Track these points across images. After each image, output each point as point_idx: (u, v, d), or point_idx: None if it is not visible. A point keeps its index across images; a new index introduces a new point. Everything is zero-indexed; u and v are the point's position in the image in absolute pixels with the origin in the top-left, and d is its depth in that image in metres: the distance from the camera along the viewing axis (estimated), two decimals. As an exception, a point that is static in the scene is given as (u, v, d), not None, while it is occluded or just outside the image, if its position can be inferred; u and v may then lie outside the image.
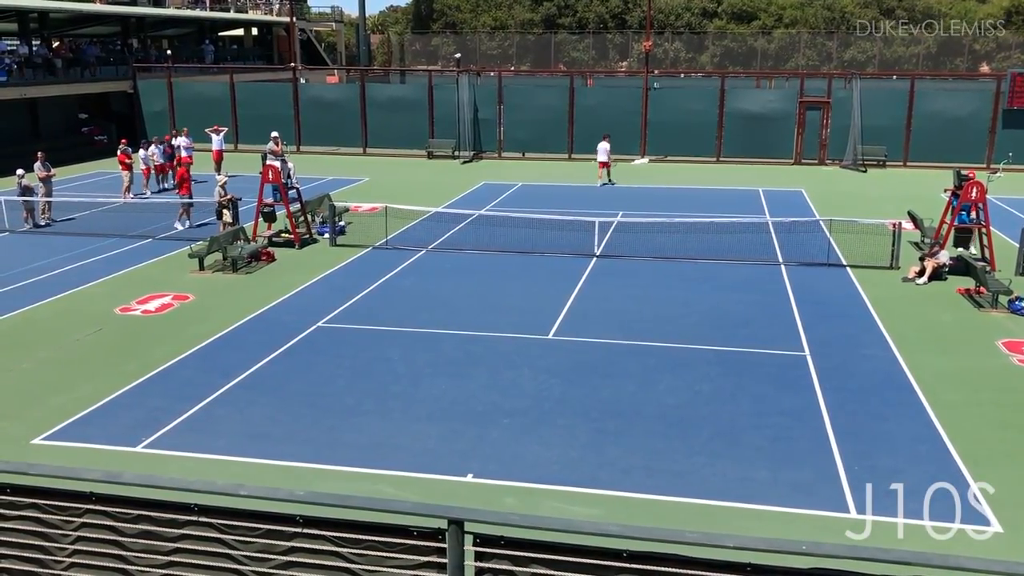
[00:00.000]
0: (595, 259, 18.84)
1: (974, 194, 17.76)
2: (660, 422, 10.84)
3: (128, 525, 3.82)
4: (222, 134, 30.52)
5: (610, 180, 29.38)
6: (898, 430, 10.56)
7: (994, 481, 9.12)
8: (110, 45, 42.79)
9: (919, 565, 3.09)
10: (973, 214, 18.14)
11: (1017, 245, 17.79)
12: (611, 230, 20.83)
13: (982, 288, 15.91)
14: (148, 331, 14.30)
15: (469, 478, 9.45)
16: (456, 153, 35.92)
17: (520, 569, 3.44)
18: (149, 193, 26.83)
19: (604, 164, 29.26)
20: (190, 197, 22.59)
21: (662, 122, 35.13)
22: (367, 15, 63.93)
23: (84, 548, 3.89)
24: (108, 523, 3.84)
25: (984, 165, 30.74)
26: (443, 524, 3.47)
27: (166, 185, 27.91)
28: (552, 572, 3.40)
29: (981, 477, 9.28)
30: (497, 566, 3.48)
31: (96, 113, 40.44)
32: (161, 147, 28.28)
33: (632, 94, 36.41)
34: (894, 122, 33.34)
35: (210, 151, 30.22)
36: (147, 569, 3.85)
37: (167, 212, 22.60)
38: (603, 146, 29.26)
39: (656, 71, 42.70)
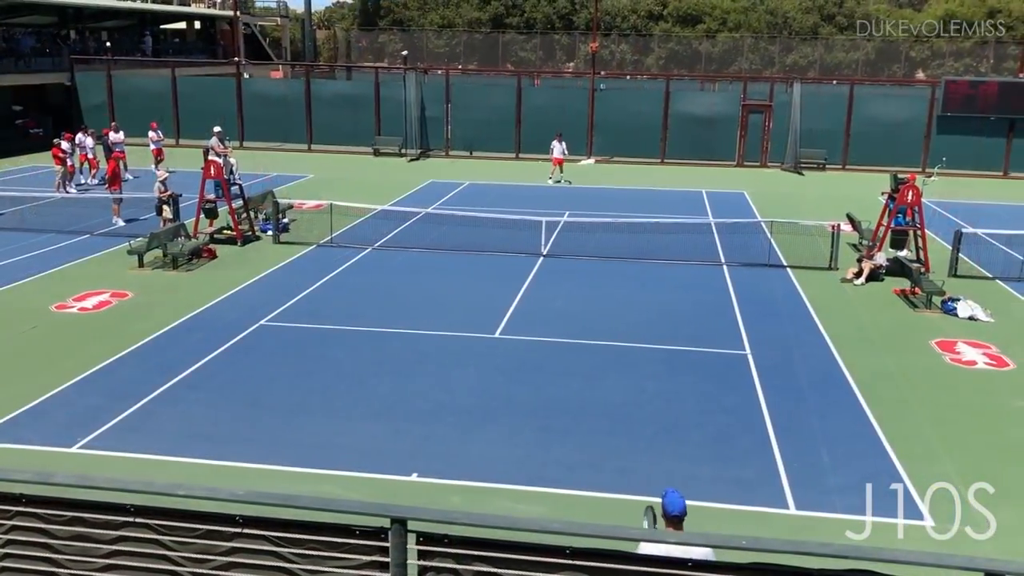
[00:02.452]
0: (542, 258, 18.89)
1: (910, 197, 18.22)
2: (605, 420, 10.92)
3: (61, 527, 3.71)
4: (158, 129, 29.95)
5: (560, 178, 29.66)
6: (836, 428, 10.80)
7: (928, 476, 9.38)
8: (46, 36, 41.62)
9: (854, 558, 3.15)
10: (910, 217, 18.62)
11: (950, 248, 18.30)
12: (558, 230, 20.91)
13: (917, 289, 16.34)
14: (85, 329, 13.95)
15: (414, 477, 9.41)
16: (403, 151, 35.73)
17: (464, 567, 3.43)
18: (75, 187, 26.00)
19: (558, 161, 29.79)
20: (120, 192, 22.18)
21: (608, 123, 35.41)
22: (313, 10, 63.23)
23: (14, 552, 3.76)
24: (39, 525, 3.72)
25: (920, 169, 31.53)
26: (386, 523, 3.44)
27: (92, 180, 27.18)
28: (496, 570, 3.39)
29: (916, 472, 9.54)
30: (441, 564, 3.46)
31: (32, 105, 39.30)
32: (91, 137, 27.58)
33: (579, 95, 36.65)
34: (834, 126, 34.08)
35: (148, 147, 29.59)
36: (81, 573, 3.74)
37: (105, 207, 22.08)
38: (557, 144, 29.98)
39: (603, 72, 42.96)
